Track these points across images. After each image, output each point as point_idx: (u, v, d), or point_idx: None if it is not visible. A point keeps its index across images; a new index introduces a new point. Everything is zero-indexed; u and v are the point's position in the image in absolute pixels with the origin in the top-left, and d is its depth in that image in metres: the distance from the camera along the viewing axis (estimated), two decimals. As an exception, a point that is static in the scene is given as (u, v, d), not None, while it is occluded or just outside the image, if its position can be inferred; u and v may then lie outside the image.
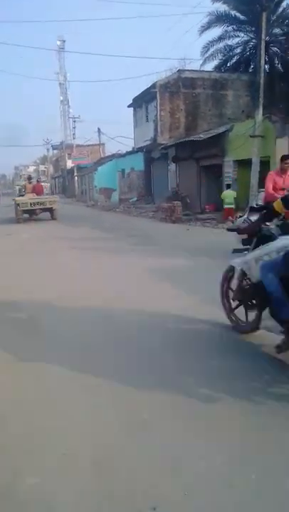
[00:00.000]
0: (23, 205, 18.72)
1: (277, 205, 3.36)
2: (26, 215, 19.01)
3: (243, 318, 4.06)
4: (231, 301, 4.18)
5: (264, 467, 2.18)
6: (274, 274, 3.19)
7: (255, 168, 16.04)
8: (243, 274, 3.90)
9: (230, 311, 4.25)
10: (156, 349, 3.87)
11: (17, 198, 20.26)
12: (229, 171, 18.48)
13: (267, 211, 3.66)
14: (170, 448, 2.39)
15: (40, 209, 18.94)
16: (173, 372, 3.35)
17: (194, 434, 2.52)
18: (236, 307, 4.17)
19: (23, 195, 20.28)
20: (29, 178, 24.41)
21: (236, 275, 4.01)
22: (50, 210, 19.16)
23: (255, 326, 3.75)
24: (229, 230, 4.56)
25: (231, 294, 4.16)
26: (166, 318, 4.68)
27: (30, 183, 21.63)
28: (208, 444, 2.41)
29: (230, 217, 15.56)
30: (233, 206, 16.08)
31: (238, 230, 4.09)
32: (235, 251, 4.24)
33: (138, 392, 3.01)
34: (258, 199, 15.64)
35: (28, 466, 2.32)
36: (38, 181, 23.56)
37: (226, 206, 16.21)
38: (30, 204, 18.63)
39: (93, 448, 2.43)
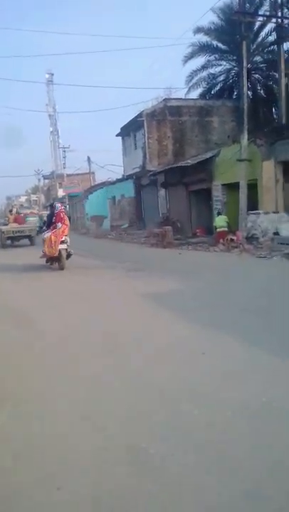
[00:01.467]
0: (7, 232, 21.40)
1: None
2: (9, 241, 21.49)
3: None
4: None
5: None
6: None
7: (243, 191, 16.28)
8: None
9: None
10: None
11: (1, 227, 22.66)
12: (218, 195, 18.73)
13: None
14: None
15: (21, 236, 21.61)
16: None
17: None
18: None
19: (6, 225, 22.91)
20: (10, 210, 27.94)
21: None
22: (29, 237, 21.55)
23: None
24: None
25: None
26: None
27: (11, 214, 24.44)
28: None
29: (221, 240, 15.72)
30: (226, 228, 16.26)
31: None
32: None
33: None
34: (248, 221, 15.93)
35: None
36: (18, 213, 26.46)
37: (219, 230, 16.37)
38: (13, 232, 21.40)
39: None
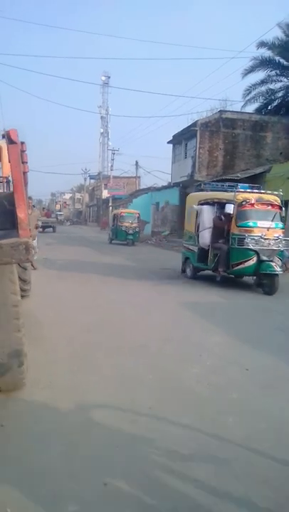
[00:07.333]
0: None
1: None
2: (40, 229, 27.82)
3: None
4: None
5: None
6: None
7: (292, 210, 15.96)
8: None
9: None
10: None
11: None
12: (264, 211, 18.41)
13: None
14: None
15: (47, 226, 31.08)
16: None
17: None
18: None
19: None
20: (43, 208, 44.18)
21: None
22: (53, 227, 33.01)
23: None
24: None
25: None
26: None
27: (43, 210, 37.82)
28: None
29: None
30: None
31: None
32: None
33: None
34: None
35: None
36: (48, 210, 39.93)
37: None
38: (42, 222, 27.70)
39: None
